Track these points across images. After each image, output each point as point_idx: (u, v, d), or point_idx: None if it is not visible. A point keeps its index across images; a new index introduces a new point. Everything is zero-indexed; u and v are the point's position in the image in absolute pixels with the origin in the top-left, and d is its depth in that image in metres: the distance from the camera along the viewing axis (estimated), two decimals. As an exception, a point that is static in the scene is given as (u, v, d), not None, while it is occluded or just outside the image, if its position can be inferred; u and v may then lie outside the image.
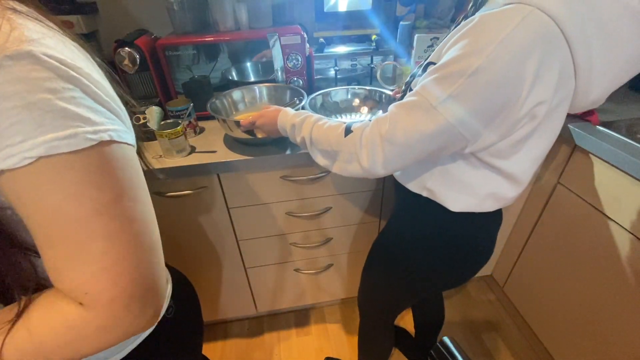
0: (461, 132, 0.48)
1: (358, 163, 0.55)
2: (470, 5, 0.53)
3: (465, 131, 0.48)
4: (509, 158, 0.53)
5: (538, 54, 0.43)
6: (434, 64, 0.50)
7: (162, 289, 0.34)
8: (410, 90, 0.54)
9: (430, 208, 0.62)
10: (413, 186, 0.64)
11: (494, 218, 0.65)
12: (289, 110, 0.70)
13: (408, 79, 0.61)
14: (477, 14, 0.47)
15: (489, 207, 0.60)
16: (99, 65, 0.34)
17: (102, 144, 0.29)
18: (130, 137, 0.33)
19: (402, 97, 0.59)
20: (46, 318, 0.31)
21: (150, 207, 0.35)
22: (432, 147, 0.50)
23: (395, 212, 0.76)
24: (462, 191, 0.58)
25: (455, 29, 0.50)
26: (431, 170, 0.60)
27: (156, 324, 0.34)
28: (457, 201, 0.59)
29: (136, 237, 0.31)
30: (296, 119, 0.66)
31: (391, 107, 0.52)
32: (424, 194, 0.62)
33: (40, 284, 0.35)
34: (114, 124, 0.31)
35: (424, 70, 0.54)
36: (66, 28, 0.32)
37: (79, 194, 0.28)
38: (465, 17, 0.53)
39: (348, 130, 0.57)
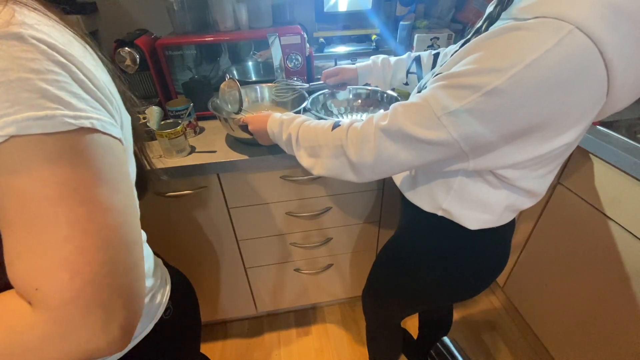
0: (462, 149, 0.44)
1: (345, 157, 0.52)
2: (496, 5, 0.45)
3: (468, 148, 0.44)
4: (532, 179, 0.51)
5: (570, 87, 0.38)
6: None
7: (136, 301, 0.29)
8: None
9: (446, 225, 0.60)
10: (426, 206, 0.61)
11: (509, 225, 0.63)
12: (279, 114, 0.69)
13: (414, 91, 0.57)
14: (502, 23, 0.41)
15: (506, 219, 0.58)
16: (101, 60, 0.34)
17: (82, 130, 0.27)
18: (116, 130, 0.31)
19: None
20: None
21: (133, 203, 0.32)
22: (430, 157, 0.47)
23: (405, 224, 0.72)
24: (480, 210, 0.56)
25: (476, 38, 0.43)
26: (447, 191, 0.57)
27: (129, 347, 0.29)
28: (475, 220, 0.57)
29: (108, 229, 0.27)
30: (285, 118, 0.64)
31: (395, 104, 0.49)
32: (439, 213, 0.60)
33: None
34: (99, 113, 0.29)
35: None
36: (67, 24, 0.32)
37: (47, 174, 0.25)
38: (490, 22, 0.45)
39: (336, 125, 0.55)
